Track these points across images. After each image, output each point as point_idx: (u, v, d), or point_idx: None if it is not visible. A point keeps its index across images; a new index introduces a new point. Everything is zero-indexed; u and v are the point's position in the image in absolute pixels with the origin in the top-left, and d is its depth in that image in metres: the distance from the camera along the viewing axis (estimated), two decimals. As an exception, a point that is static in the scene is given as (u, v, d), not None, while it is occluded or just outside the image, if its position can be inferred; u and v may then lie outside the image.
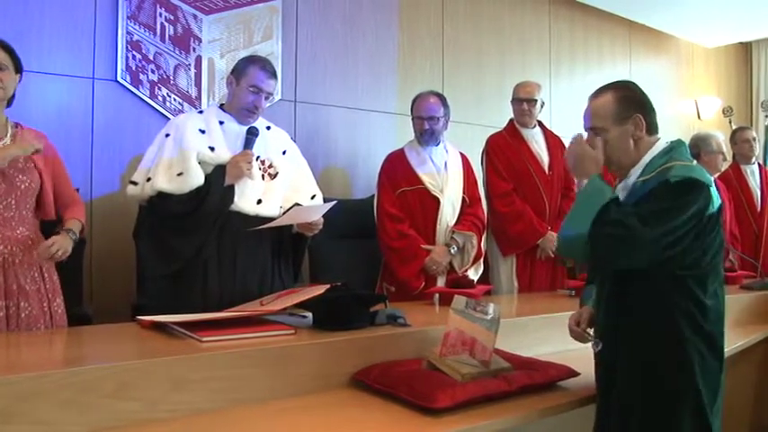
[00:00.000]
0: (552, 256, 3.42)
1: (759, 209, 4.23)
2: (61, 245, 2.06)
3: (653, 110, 1.77)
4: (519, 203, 3.41)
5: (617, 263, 1.62)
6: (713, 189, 1.63)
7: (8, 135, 2.13)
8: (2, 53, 2.06)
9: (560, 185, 3.53)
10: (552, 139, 3.59)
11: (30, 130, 2.20)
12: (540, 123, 3.61)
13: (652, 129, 1.75)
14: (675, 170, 1.62)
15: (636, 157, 1.73)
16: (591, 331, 1.86)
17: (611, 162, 1.76)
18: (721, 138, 4.05)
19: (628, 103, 1.73)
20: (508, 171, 3.46)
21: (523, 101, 3.50)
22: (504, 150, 3.49)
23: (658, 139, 1.75)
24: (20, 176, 2.09)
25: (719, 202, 1.66)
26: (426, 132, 3.16)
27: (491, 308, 1.75)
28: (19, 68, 2.13)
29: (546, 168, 3.49)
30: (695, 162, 1.71)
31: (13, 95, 2.14)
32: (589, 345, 1.84)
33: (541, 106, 3.55)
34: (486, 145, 3.58)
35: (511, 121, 3.60)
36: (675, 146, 1.72)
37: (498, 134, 3.60)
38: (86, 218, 2.30)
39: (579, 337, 1.89)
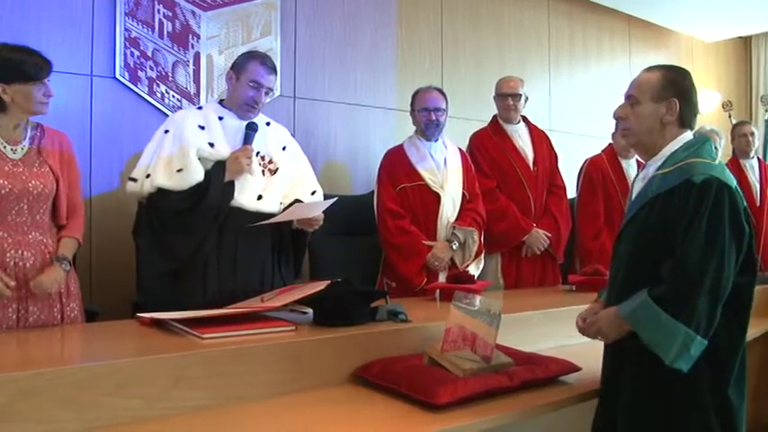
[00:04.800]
0: (538, 253, 3.41)
1: (758, 203, 4.22)
2: (53, 282, 2.05)
3: (694, 105, 1.76)
4: (503, 201, 3.37)
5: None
6: (734, 188, 1.63)
7: (27, 138, 2.11)
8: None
9: (545, 181, 3.49)
10: (537, 134, 3.55)
11: (53, 131, 2.19)
12: (525, 118, 3.56)
13: (684, 120, 1.74)
14: (698, 168, 1.61)
15: (658, 142, 1.73)
16: None
17: (632, 134, 1.77)
18: (722, 136, 4.06)
19: (671, 85, 1.73)
20: (492, 168, 3.42)
21: (508, 96, 3.44)
22: (488, 147, 3.45)
23: (686, 132, 1.74)
24: (33, 181, 2.06)
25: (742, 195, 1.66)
26: (432, 124, 3.14)
27: (490, 303, 1.75)
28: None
29: (531, 164, 3.45)
30: (718, 160, 1.68)
31: None
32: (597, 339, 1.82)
33: (525, 101, 3.50)
34: (469, 142, 3.54)
35: (494, 117, 3.55)
36: (700, 142, 1.71)
37: (482, 131, 3.55)
38: (85, 223, 2.26)
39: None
